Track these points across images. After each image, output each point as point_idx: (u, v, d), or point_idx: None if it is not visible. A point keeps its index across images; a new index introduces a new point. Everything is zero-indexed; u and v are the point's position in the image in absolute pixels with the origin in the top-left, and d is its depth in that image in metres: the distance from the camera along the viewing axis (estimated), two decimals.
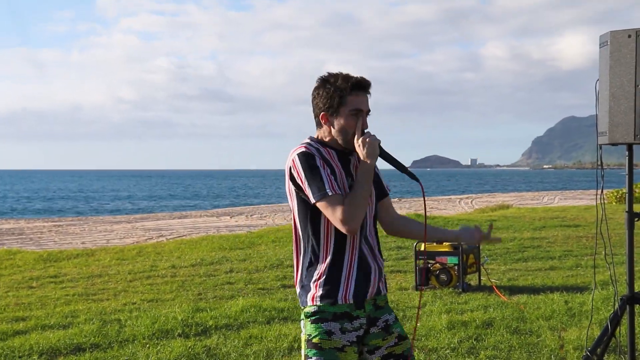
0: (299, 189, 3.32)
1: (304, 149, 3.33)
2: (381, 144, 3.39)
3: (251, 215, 32.74)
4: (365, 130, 3.39)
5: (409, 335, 3.56)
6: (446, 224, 18.81)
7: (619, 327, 5.12)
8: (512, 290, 9.63)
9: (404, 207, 37.49)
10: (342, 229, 3.24)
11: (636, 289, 5.14)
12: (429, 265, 9.95)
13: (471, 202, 42.72)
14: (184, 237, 20.14)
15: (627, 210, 5.13)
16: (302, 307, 3.38)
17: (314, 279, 3.35)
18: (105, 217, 38.14)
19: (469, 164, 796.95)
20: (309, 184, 3.26)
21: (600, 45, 5.06)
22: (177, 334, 7.44)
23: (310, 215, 3.34)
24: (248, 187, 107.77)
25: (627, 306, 5.04)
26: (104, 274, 11.82)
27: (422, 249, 10.08)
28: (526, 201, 40.96)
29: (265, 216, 32.00)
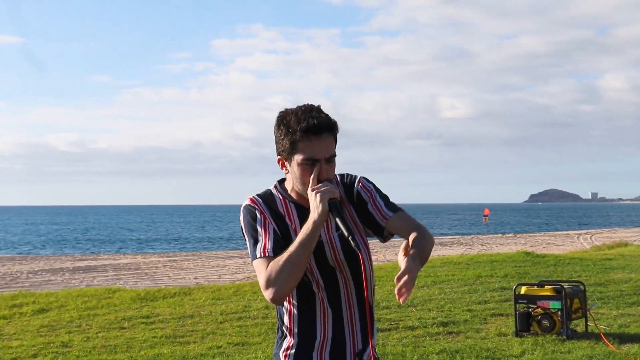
0: None
1: (248, 202, 2.93)
2: (337, 199, 2.79)
3: None
4: (323, 181, 2.82)
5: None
6: (557, 263, 17.87)
7: None
8: (623, 338, 8.85)
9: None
10: (265, 298, 2.76)
11: None
12: (530, 310, 9.29)
13: (590, 237, 40.81)
14: None
15: None
16: None
17: (282, 349, 2.94)
18: (219, 252, 38.59)
19: (589, 197, 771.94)
20: (247, 242, 2.87)
21: None
22: None
23: None
24: None
25: None
26: (195, 315, 11.67)
27: (522, 292, 9.45)
28: None
29: (376, 251, 30.97)
